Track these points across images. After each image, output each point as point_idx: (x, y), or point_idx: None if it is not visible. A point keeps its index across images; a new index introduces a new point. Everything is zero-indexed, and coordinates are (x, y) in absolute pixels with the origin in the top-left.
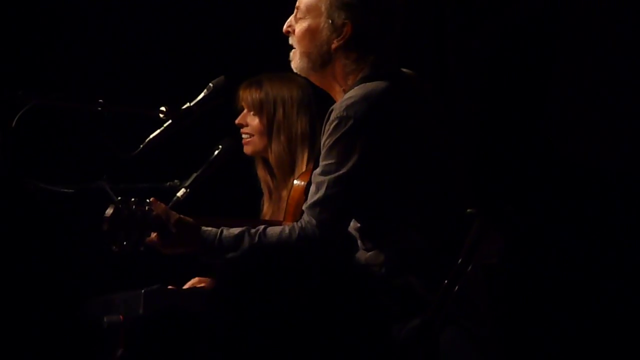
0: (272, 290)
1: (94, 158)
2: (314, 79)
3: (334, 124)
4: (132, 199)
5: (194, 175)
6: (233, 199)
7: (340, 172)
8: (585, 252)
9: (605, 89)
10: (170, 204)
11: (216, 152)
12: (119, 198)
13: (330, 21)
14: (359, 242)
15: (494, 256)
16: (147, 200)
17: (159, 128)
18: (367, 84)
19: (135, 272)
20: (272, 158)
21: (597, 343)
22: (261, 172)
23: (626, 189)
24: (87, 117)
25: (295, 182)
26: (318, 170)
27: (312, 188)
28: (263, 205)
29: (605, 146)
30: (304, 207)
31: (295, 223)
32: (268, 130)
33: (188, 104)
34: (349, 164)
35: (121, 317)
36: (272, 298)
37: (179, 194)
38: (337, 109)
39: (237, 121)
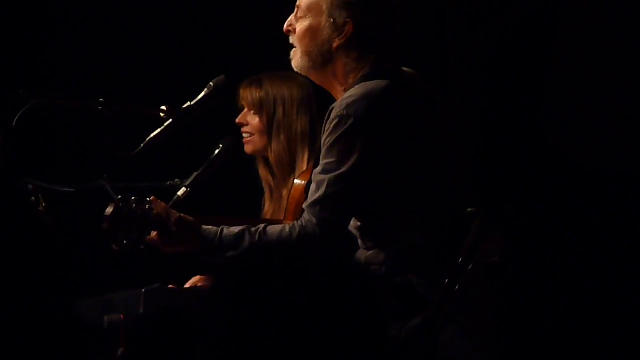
0: (271, 290)
1: (94, 157)
2: (315, 77)
3: (334, 122)
4: (133, 198)
5: (195, 174)
6: (234, 198)
7: (341, 170)
8: (585, 250)
9: (604, 88)
10: (171, 203)
11: (217, 151)
12: (119, 197)
13: (331, 20)
14: (359, 241)
15: (495, 255)
16: (148, 199)
17: (160, 127)
18: (368, 82)
19: (136, 272)
20: (272, 157)
21: (598, 341)
22: (262, 171)
23: (625, 187)
24: (87, 116)
25: (296, 181)
26: (318, 168)
27: (313, 187)
28: (264, 204)
29: (604, 145)
30: (304, 206)
31: (295, 222)
32: (268, 129)
33: (189, 103)
34: (350, 163)
35: (122, 316)
36: (271, 297)
37: (180, 193)
38: (337, 107)
39: (237, 120)
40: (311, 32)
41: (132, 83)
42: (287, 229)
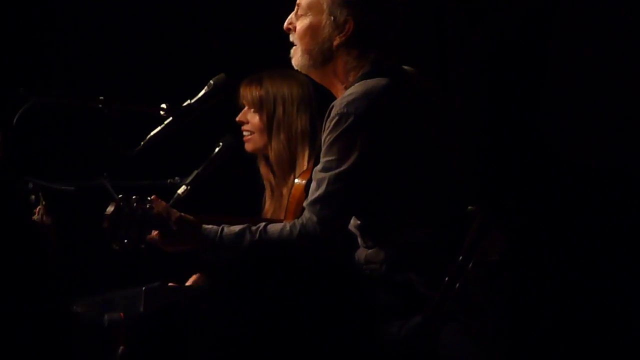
0: (269, 288)
1: (94, 155)
2: (315, 76)
3: (334, 120)
4: (133, 197)
5: (195, 172)
6: (234, 196)
7: (341, 168)
8: (585, 249)
9: (604, 87)
10: (171, 201)
11: (217, 149)
12: (120, 196)
13: (332, 18)
14: (359, 239)
15: (495, 253)
16: (148, 199)
17: (160, 125)
18: (368, 80)
19: (136, 270)
20: (272, 155)
21: (598, 340)
22: (263, 169)
23: (624, 185)
24: (87, 114)
25: (297, 180)
26: (319, 166)
27: (313, 185)
28: (264, 202)
29: (604, 143)
30: (304, 204)
31: (296, 220)
32: (268, 127)
33: (189, 101)
34: (350, 161)
35: (122, 314)
36: (269, 296)
37: (180, 191)
38: (337, 105)
39: (237, 118)
40: (312, 30)
41: (133, 81)
42: (288, 228)
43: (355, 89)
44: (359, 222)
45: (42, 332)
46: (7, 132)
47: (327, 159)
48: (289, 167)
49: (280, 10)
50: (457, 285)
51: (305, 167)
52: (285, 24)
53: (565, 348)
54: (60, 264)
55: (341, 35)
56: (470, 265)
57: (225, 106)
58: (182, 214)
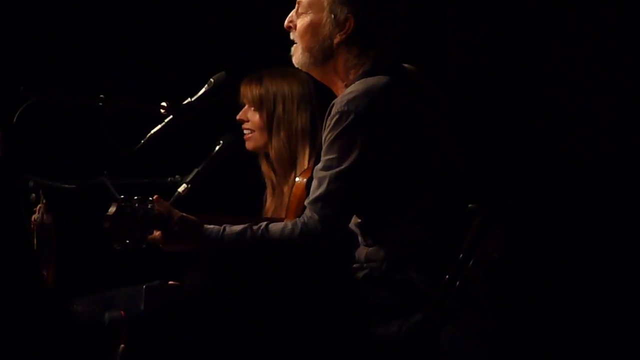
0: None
1: (95, 153)
2: (316, 74)
3: (335, 118)
4: (135, 197)
5: (195, 170)
6: (234, 194)
7: (342, 167)
8: (585, 248)
9: (604, 86)
10: (172, 199)
11: (217, 148)
12: (122, 196)
13: (332, 16)
14: (359, 237)
15: (495, 251)
16: (150, 199)
17: (160, 123)
18: (369, 78)
19: (137, 268)
20: (272, 153)
21: (597, 338)
22: (265, 168)
23: (624, 183)
24: (88, 112)
25: (297, 179)
26: (320, 165)
27: (314, 183)
28: (265, 199)
29: (602, 142)
30: (305, 203)
31: (297, 219)
32: (268, 125)
33: (189, 100)
34: (351, 159)
35: (122, 313)
36: (267, 295)
37: (180, 189)
38: (338, 103)
39: (238, 117)
40: (312, 28)
41: (133, 79)
42: (290, 226)
43: (356, 87)
44: (359, 220)
45: (42, 332)
46: (8, 131)
47: (328, 157)
48: (290, 165)
49: (280, 8)
50: (458, 283)
51: (306, 166)
52: (286, 22)
53: (565, 346)
54: (60, 262)
55: (342, 33)
56: (471, 263)
57: (225, 104)
58: (184, 214)
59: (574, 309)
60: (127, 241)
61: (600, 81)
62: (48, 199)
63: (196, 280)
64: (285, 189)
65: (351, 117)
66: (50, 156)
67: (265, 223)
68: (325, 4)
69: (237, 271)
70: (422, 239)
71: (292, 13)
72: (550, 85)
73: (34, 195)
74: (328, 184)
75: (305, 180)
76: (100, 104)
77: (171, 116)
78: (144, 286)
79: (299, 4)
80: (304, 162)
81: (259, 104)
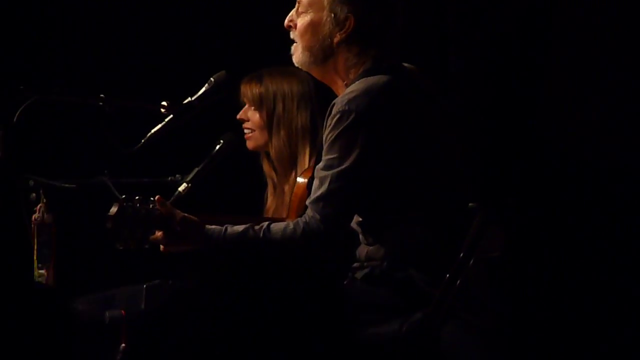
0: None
1: (95, 153)
2: (316, 73)
3: (335, 118)
4: (137, 197)
5: (196, 170)
6: (235, 193)
7: (343, 166)
8: (585, 246)
9: (603, 85)
10: (172, 198)
11: (217, 147)
12: (124, 196)
13: (332, 15)
14: (360, 236)
15: (496, 250)
16: (152, 199)
17: (161, 123)
18: (369, 77)
19: (137, 267)
20: (273, 152)
21: (597, 336)
22: (266, 167)
23: (624, 183)
24: (88, 112)
25: (298, 179)
26: (321, 164)
27: (316, 183)
28: (267, 198)
29: (602, 142)
30: (307, 202)
31: (299, 218)
32: (268, 124)
33: (189, 99)
34: (351, 158)
35: (123, 312)
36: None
37: (181, 188)
38: (338, 103)
39: (238, 116)
40: (312, 27)
41: (133, 79)
42: (291, 226)
43: (356, 86)
44: (360, 219)
45: (43, 331)
46: (8, 130)
47: (329, 156)
48: (290, 164)
49: (280, 8)
50: (458, 282)
51: (307, 165)
52: (286, 21)
53: (565, 345)
54: (60, 261)
55: (342, 32)
56: (471, 262)
57: (226, 103)
58: (186, 214)
59: (574, 308)
60: (129, 241)
61: (600, 81)
62: (48, 199)
63: (195, 280)
64: (286, 188)
65: (352, 116)
66: (51, 156)
67: (266, 223)
68: (326, 3)
69: (235, 271)
70: (422, 238)
71: (292, 12)
72: (550, 85)
73: (34, 194)
74: (329, 184)
75: (306, 180)
76: (101, 103)
77: (171, 115)
78: (145, 285)
79: (299, 3)
80: (305, 160)
81: (259, 103)
